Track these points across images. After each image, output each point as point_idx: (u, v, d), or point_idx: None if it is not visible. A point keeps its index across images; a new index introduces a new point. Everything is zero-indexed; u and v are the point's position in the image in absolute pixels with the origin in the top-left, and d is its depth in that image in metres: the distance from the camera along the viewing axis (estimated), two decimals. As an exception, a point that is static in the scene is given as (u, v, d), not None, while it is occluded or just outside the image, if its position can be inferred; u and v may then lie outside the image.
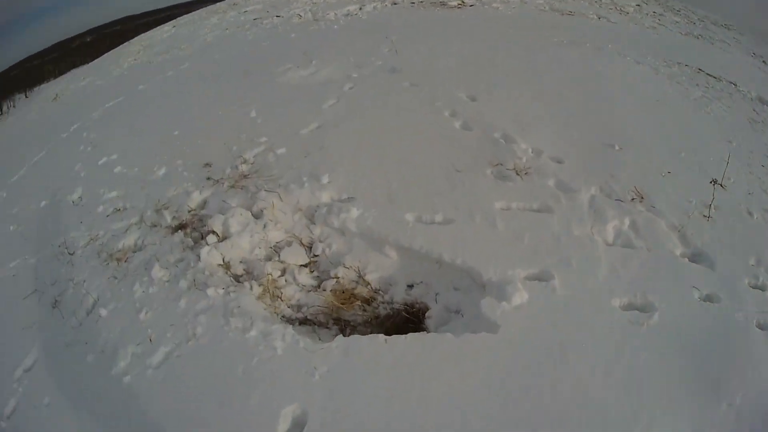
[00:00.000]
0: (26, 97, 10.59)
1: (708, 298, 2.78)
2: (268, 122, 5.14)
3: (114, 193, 4.58)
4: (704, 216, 3.34)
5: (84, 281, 3.58)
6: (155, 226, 3.87)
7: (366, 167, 3.97)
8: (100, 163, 5.39)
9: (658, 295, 2.74)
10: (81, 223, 4.31)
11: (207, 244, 3.41)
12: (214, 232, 3.50)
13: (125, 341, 2.92)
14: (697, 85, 5.74)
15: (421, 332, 2.68)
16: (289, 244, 3.42)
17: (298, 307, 3.08)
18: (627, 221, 3.28)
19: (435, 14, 8.97)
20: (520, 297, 2.71)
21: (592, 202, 3.45)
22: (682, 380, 2.34)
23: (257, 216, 3.63)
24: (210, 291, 3.05)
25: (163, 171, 4.66)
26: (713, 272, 2.93)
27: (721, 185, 3.57)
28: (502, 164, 3.88)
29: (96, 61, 11.71)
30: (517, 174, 3.76)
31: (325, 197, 3.67)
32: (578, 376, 2.34)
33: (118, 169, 5.04)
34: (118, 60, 11.87)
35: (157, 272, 3.33)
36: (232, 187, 4.00)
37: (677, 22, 9.97)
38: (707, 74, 6.20)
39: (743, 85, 6.21)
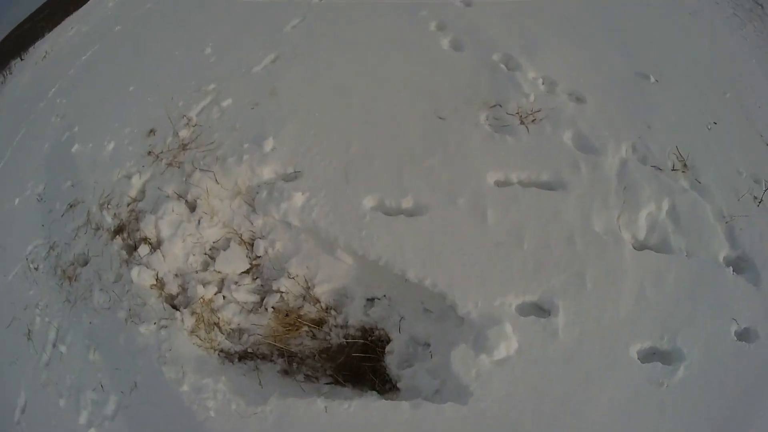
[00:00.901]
0: (21, 60, 9.78)
1: (744, 335, 2.08)
2: (221, 60, 4.17)
3: (69, 183, 3.99)
4: (755, 199, 2.54)
5: (47, 306, 3.23)
6: (98, 229, 3.29)
7: (322, 119, 3.01)
8: (63, 140, 4.78)
9: (690, 337, 1.99)
10: (42, 226, 3.86)
11: (139, 258, 2.80)
12: (146, 240, 2.86)
13: (84, 385, 2.69)
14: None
15: (370, 394, 2.06)
16: (227, 246, 2.69)
17: (239, 335, 2.49)
18: (665, 205, 2.38)
19: None
20: (507, 347, 1.90)
21: (623, 171, 2.49)
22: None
23: (192, 207, 2.90)
24: (143, 328, 2.55)
25: (111, 146, 3.93)
26: (757, 291, 2.18)
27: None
28: (501, 105, 2.83)
29: (86, 5, 10.49)
30: (522, 122, 2.73)
31: (267, 173, 2.81)
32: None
33: (75, 147, 4.39)
34: (105, -1, 10.60)
35: (98, 298, 2.87)
36: (170, 164, 3.23)
37: None
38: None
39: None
